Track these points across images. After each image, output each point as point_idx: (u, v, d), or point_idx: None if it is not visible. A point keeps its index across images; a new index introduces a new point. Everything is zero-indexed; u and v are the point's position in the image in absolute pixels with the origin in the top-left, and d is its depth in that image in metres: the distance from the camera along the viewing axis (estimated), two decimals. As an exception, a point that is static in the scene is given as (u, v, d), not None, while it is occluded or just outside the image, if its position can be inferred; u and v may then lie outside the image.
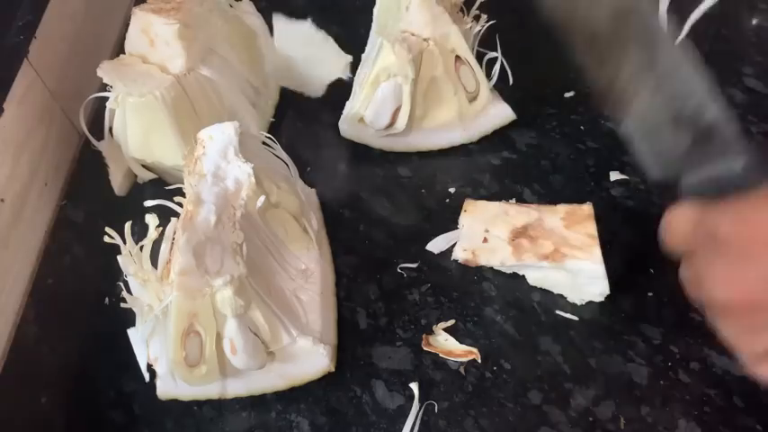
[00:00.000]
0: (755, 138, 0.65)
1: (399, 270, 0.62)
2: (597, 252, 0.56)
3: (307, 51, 0.77)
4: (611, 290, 0.56)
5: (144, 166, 0.68)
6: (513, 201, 0.63)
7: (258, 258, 0.55)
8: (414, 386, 0.55)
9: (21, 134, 0.63)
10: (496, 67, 0.65)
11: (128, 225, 0.52)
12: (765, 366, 0.36)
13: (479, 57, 0.65)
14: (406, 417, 0.54)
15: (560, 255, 0.56)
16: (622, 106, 0.35)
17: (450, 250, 0.62)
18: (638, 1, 0.34)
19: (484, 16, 0.65)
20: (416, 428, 0.54)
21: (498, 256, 0.59)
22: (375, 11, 0.70)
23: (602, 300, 0.57)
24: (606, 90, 0.35)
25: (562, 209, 0.59)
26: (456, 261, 0.61)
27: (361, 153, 0.70)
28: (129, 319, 0.57)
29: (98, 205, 0.68)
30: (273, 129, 0.72)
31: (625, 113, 0.35)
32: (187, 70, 0.63)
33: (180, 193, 0.54)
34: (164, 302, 0.51)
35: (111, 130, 0.67)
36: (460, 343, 0.57)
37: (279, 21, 0.78)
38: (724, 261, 0.34)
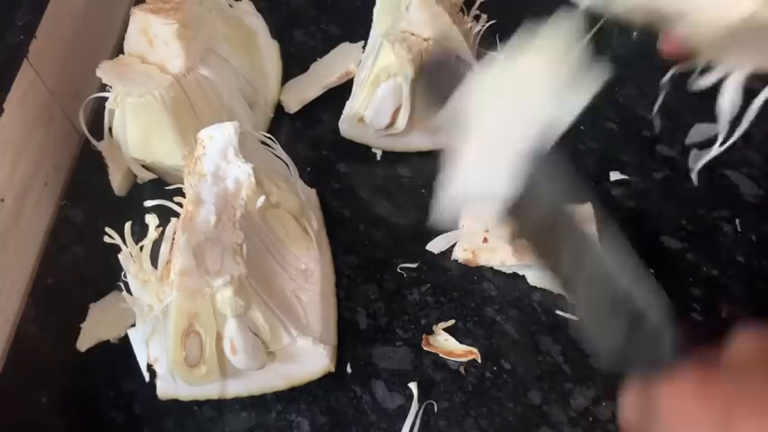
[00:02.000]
0: (754, 137, 0.65)
1: (399, 270, 0.62)
2: (597, 252, 0.55)
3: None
4: (611, 290, 0.56)
5: (144, 166, 0.68)
6: (513, 201, 0.63)
7: (258, 258, 0.55)
8: (413, 386, 0.55)
9: (21, 134, 0.63)
10: (496, 67, 0.65)
11: (128, 225, 0.52)
12: None
13: (479, 57, 0.65)
14: (406, 417, 0.54)
15: (560, 255, 0.56)
16: (570, 297, 0.38)
17: (450, 250, 0.62)
18: (566, 210, 0.37)
19: (484, 16, 0.65)
20: (416, 428, 0.54)
21: (498, 256, 0.59)
22: (375, 11, 0.70)
23: (602, 300, 0.57)
24: (559, 282, 0.38)
25: (562, 209, 0.59)
26: (456, 261, 0.61)
27: (361, 153, 0.70)
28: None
29: (98, 205, 0.68)
30: (273, 129, 0.72)
31: (573, 306, 0.37)
32: (186, 70, 0.63)
33: (180, 193, 0.54)
34: (164, 303, 0.51)
35: (110, 130, 0.67)
36: (460, 343, 0.57)
37: None
38: None
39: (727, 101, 0.40)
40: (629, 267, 0.36)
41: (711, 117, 0.43)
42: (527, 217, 0.38)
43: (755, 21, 0.33)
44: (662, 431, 0.34)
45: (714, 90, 0.41)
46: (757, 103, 0.40)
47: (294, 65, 0.76)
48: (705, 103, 0.43)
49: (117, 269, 0.53)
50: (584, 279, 0.37)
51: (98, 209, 0.68)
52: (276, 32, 0.77)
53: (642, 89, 0.69)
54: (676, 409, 0.33)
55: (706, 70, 0.41)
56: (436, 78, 0.45)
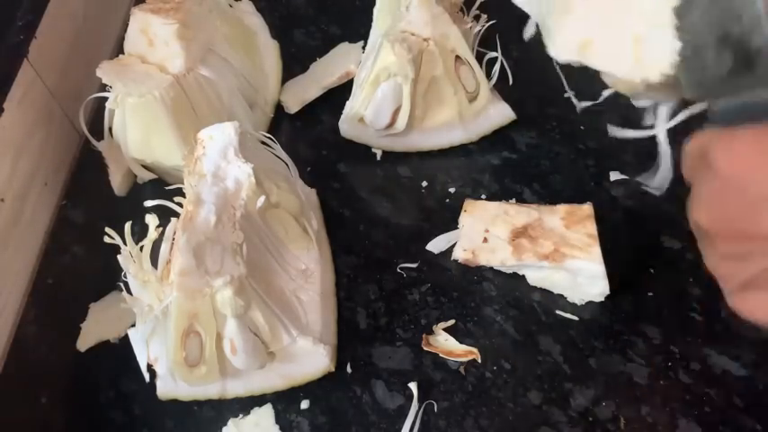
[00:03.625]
0: None
1: (399, 270, 0.62)
2: (597, 252, 0.56)
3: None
4: (611, 290, 0.56)
5: (144, 166, 0.68)
6: (513, 201, 0.63)
7: (258, 258, 0.55)
8: (413, 386, 0.55)
9: (21, 134, 0.63)
10: (496, 67, 0.65)
11: (128, 225, 0.52)
12: (744, 299, 0.35)
13: (479, 57, 0.65)
14: (406, 417, 0.54)
15: (560, 255, 0.56)
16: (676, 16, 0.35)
17: (450, 250, 0.62)
18: None
19: (484, 16, 0.65)
20: (416, 428, 0.54)
21: (498, 256, 0.59)
22: (375, 11, 0.70)
23: (602, 300, 0.57)
24: None
25: (562, 209, 0.59)
26: (456, 261, 0.61)
27: (361, 153, 0.70)
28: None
29: (98, 205, 0.68)
30: (273, 129, 0.72)
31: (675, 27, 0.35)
32: (186, 70, 0.63)
33: (180, 193, 0.54)
34: (164, 303, 0.51)
35: (110, 130, 0.67)
36: (460, 343, 0.57)
37: None
38: (710, 186, 0.34)
39: (662, 130, 0.43)
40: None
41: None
42: None
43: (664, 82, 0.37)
44: (709, 179, 0.33)
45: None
46: (669, 125, 0.42)
47: (294, 65, 0.76)
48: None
49: (117, 269, 0.53)
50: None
51: (98, 209, 0.68)
52: (276, 32, 0.77)
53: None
54: (737, 162, 0.32)
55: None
56: None
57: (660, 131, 0.43)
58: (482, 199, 0.64)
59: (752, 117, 0.33)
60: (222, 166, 0.54)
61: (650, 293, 0.58)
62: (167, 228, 0.52)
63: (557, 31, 0.41)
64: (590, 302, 0.58)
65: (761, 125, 0.33)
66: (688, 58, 0.35)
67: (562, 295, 0.58)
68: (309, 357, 0.55)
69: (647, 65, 0.37)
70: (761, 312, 0.35)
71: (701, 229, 0.36)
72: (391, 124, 0.66)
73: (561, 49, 0.41)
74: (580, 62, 0.41)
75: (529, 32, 0.45)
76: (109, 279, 0.61)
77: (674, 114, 0.42)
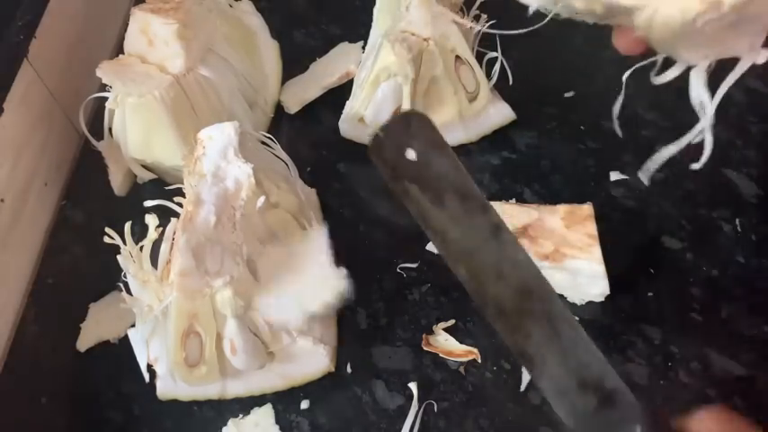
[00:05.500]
0: (754, 137, 0.65)
1: (399, 270, 0.62)
2: (597, 252, 0.56)
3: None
4: (611, 290, 0.56)
5: (144, 166, 0.68)
6: (513, 201, 0.63)
7: (258, 258, 0.55)
8: (413, 386, 0.55)
9: (21, 134, 0.63)
10: (496, 67, 0.65)
11: (128, 225, 0.52)
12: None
13: (479, 57, 0.65)
14: (406, 417, 0.54)
15: (560, 255, 0.56)
16: (533, 370, 0.37)
17: (450, 250, 0.61)
18: (540, 282, 0.37)
19: (484, 16, 0.65)
20: (416, 428, 0.54)
21: (498, 256, 0.59)
22: (375, 11, 0.70)
23: (602, 300, 0.57)
24: (518, 354, 0.37)
25: (562, 209, 0.59)
26: (456, 261, 0.61)
27: (361, 153, 0.69)
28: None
29: (98, 205, 0.68)
30: (273, 129, 0.72)
31: (536, 377, 0.37)
32: (186, 70, 0.63)
33: (180, 193, 0.54)
34: (163, 303, 0.51)
35: (110, 130, 0.67)
36: (460, 343, 0.57)
37: None
38: None
39: (697, 95, 0.40)
40: (597, 352, 0.38)
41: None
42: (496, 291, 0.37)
43: (708, 16, 0.35)
44: None
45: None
46: (720, 93, 0.40)
47: (294, 65, 0.76)
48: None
49: (117, 269, 0.53)
50: (553, 357, 0.37)
51: (98, 209, 0.68)
52: (276, 32, 0.77)
53: (642, 88, 0.69)
54: None
55: (667, 64, 0.41)
56: None
57: (698, 92, 0.40)
58: (482, 199, 0.64)
59: None
60: (222, 166, 0.54)
61: (650, 293, 0.58)
62: (167, 228, 0.52)
63: None
64: (590, 302, 0.58)
65: None
66: (555, 399, 0.37)
67: (562, 295, 0.58)
68: (309, 357, 0.55)
69: None
70: None
71: None
72: (391, 124, 0.66)
73: None
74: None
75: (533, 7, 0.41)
76: (109, 279, 0.60)
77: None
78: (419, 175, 0.37)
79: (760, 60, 0.39)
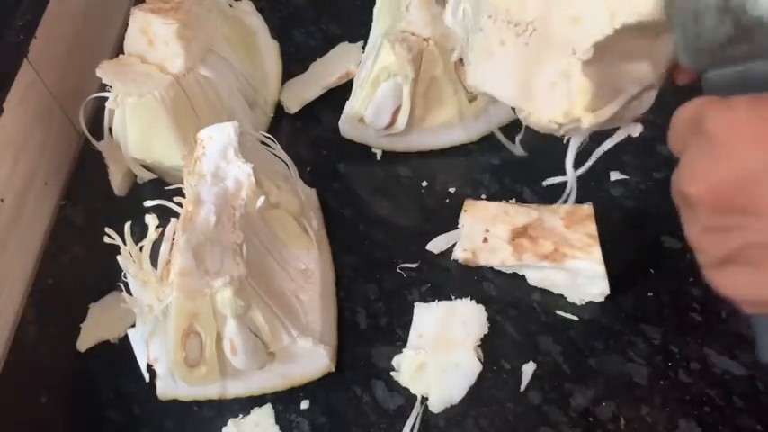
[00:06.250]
0: None
1: (399, 270, 0.62)
2: (597, 252, 0.56)
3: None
4: (611, 290, 0.56)
5: (144, 166, 0.68)
6: (513, 201, 0.63)
7: (258, 258, 0.55)
8: (414, 386, 0.55)
9: (21, 134, 0.63)
10: (496, 67, 0.65)
11: (128, 225, 0.52)
12: (722, 274, 0.34)
13: (479, 57, 0.65)
14: (406, 417, 0.54)
15: (560, 255, 0.56)
16: None
17: (450, 250, 0.62)
18: None
19: (484, 16, 0.65)
20: (416, 428, 0.54)
21: (498, 256, 0.59)
22: (375, 11, 0.70)
23: (602, 300, 0.57)
24: None
25: (562, 209, 0.59)
26: (456, 261, 0.61)
27: (361, 153, 0.70)
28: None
29: (98, 205, 0.68)
30: (273, 129, 0.72)
31: None
32: (186, 70, 0.63)
33: (180, 193, 0.54)
34: (164, 303, 0.51)
35: (110, 130, 0.67)
36: (460, 343, 0.57)
37: None
38: (701, 154, 0.33)
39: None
40: None
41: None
42: None
43: (569, 127, 0.46)
44: (700, 145, 0.33)
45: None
46: (593, 158, 0.52)
47: (294, 65, 0.76)
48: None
49: (117, 269, 0.53)
50: None
51: (98, 209, 0.68)
52: (276, 32, 0.77)
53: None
54: (731, 129, 0.31)
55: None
56: None
57: (569, 162, 0.52)
58: (482, 199, 0.64)
59: (747, 88, 0.33)
60: (222, 166, 0.54)
61: (650, 293, 0.58)
62: (167, 228, 0.52)
63: (474, 70, 0.47)
64: (590, 302, 0.58)
65: (757, 95, 0.32)
66: (686, 23, 0.34)
67: (562, 295, 0.58)
68: (309, 357, 0.55)
69: (552, 107, 0.44)
70: (737, 289, 0.34)
71: (686, 199, 0.35)
72: (391, 124, 0.66)
73: (476, 84, 0.47)
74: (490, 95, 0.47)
75: (455, 56, 0.51)
76: (109, 279, 0.61)
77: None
78: None
79: (635, 133, 0.48)
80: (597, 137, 0.50)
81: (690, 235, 0.36)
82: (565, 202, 0.57)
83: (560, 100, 0.44)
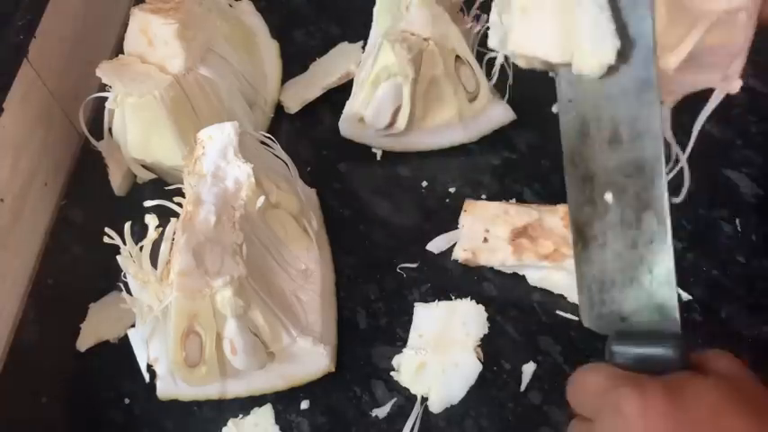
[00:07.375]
0: (754, 137, 0.65)
1: (399, 270, 0.62)
2: (597, 252, 0.55)
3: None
4: (611, 290, 0.56)
5: (144, 166, 0.68)
6: (513, 201, 0.63)
7: (258, 259, 0.55)
8: (414, 386, 0.55)
9: (21, 134, 0.63)
10: (496, 67, 0.65)
11: (127, 225, 0.52)
12: None
13: (479, 57, 0.65)
14: (406, 417, 0.54)
15: (560, 255, 0.56)
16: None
17: (450, 250, 0.62)
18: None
19: (484, 16, 0.65)
20: (416, 428, 0.54)
21: (498, 256, 0.59)
22: (375, 11, 0.70)
23: (602, 300, 0.57)
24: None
25: (562, 209, 0.59)
26: (456, 261, 0.61)
27: (361, 153, 0.70)
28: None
29: (98, 205, 0.68)
30: (273, 129, 0.72)
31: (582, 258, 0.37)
32: (186, 70, 0.63)
33: (180, 193, 0.54)
34: (163, 303, 0.51)
35: (110, 130, 0.67)
36: (460, 343, 0.57)
37: None
38: (614, 430, 0.33)
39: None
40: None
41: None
42: None
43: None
44: (625, 428, 0.33)
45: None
46: (696, 129, 0.43)
47: (294, 65, 0.76)
48: (702, 102, 0.43)
49: (117, 269, 0.53)
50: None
51: (98, 209, 0.68)
52: (276, 32, 0.77)
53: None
54: (650, 415, 0.32)
55: None
56: None
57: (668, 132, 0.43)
58: (482, 199, 0.64)
59: (648, 366, 0.34)
60: (222, 166, 0.54)
61: (650, 293, 0.58)
62: (167, 228, 0.52)
63: (512, 34, 0.42)
64: (590, 302, 0.58)
65: (668, 377, 0.33)
66: (592, 289, 0.37)
67: (562, 295, 0.58)
68: (309, 357, 0.55)
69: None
70: None
71: None
72: (391, 124, 0.66)
73: (516, 48, 0.42)
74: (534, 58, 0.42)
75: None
76: (109, 279, 0.61)
77: None
78: None
79: (734, 90, 0.40)
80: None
81: None
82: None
83: (611, 35, 0.36)
